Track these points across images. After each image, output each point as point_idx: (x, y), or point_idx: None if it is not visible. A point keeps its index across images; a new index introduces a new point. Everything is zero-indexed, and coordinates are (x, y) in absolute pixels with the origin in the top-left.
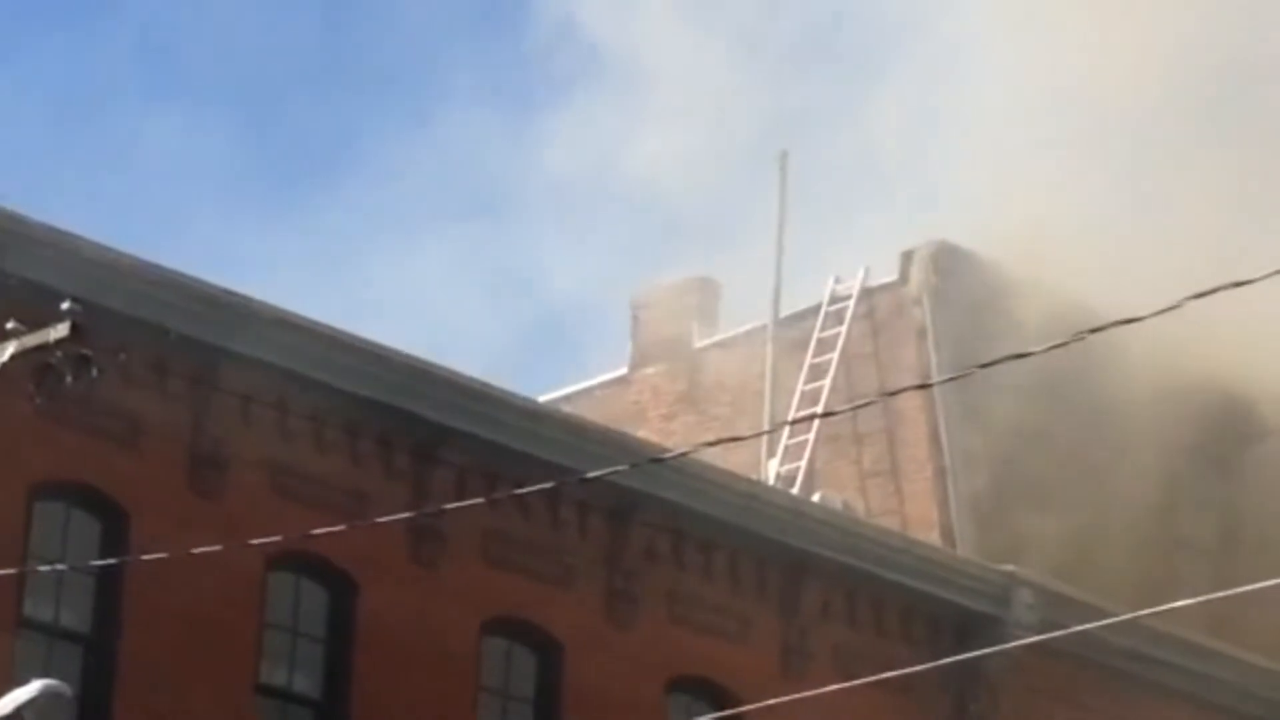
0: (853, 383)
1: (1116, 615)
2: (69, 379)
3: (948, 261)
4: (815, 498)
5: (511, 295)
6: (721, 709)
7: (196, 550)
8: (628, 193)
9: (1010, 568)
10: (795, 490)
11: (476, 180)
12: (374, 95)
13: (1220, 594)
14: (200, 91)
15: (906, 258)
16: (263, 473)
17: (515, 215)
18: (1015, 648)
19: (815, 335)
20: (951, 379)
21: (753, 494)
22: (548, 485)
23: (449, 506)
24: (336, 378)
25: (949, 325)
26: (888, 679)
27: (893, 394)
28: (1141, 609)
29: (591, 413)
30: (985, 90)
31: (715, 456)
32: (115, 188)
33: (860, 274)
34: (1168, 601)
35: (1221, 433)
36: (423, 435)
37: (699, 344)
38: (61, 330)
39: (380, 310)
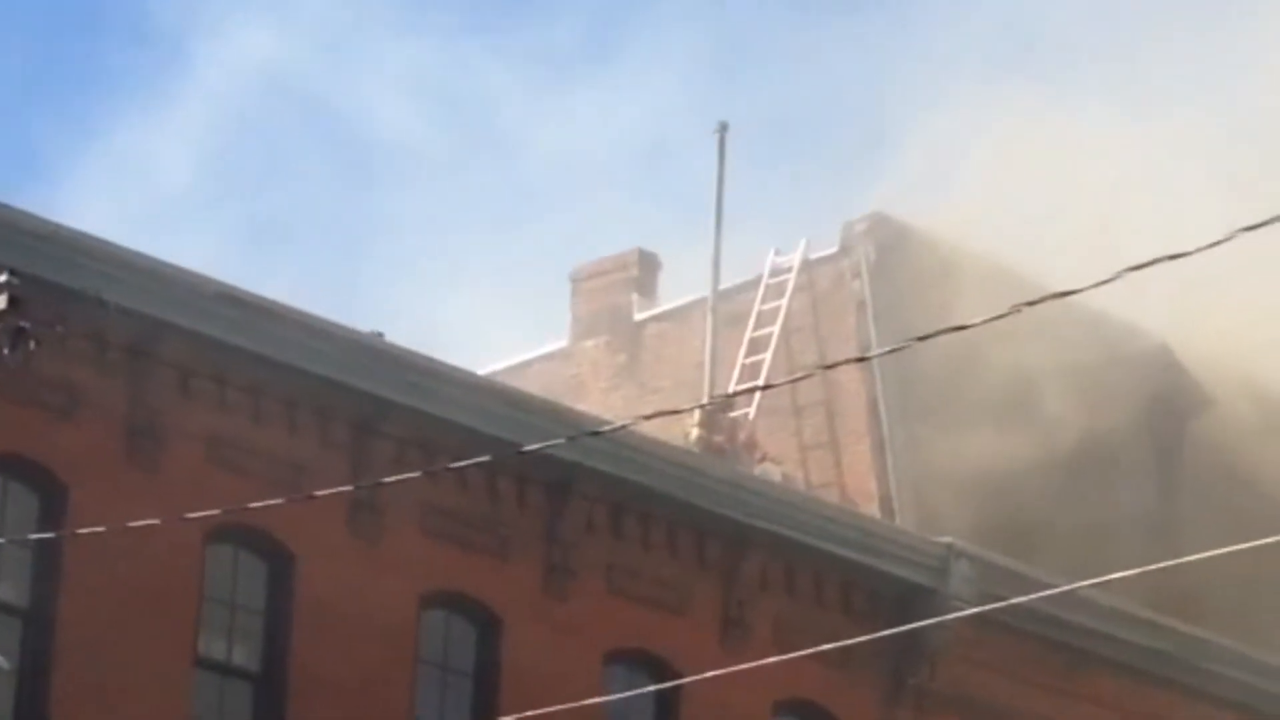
0: (792, 355)
1: (1055, 587)
2: (6, 351)
3: (887, 234)
4: (755, 470)
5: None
6: (660, 681)
7: (135, 523)
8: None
9: (948, 539)
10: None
11: None
12: None
13: (1159, 565)
14: None
15: (846, 230)
16: (201, 445)
17: None
18: (954, 620)
19: (756, 308)
20: (890, 351)
21: (692, 466)
22: (486, 458)
23: (387, 480)
24: (275, 350)
25: (888, 298)
26: (827, 651)
27: (831, 366)
28: (1080, 581)
29: (531, 385)
30: (926, 64)
31: (655, 429)
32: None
33: (801, 246)
34: (1107, 574)
35: (1161, 404)
36: (361, 408)
37: (639, 316)
38: None
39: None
